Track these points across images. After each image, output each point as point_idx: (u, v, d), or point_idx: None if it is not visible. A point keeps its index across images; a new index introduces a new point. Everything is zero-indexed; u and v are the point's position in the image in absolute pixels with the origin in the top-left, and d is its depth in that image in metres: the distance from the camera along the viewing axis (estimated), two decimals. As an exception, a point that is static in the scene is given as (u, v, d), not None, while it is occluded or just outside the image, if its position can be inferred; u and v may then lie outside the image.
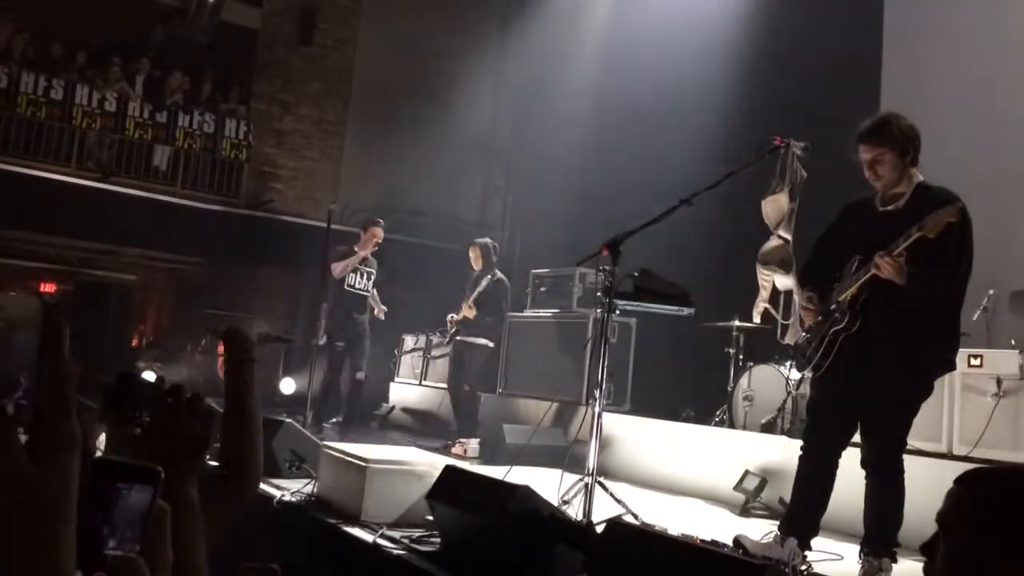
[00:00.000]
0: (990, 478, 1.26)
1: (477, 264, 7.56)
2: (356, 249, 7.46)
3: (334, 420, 7.58)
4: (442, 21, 11.27)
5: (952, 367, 3.60)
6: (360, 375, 7.51)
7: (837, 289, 3.58)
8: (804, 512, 3.64)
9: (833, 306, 3.57)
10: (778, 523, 3.77)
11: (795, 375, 5.58)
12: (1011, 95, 5.99)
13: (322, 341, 7.41)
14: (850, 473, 3.71)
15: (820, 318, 3.65)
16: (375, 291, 7.85)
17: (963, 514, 1.22)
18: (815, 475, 3.64)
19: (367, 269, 7.53)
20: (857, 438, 3.62)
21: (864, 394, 3.50)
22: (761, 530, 4.04)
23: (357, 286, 7.49)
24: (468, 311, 7.42)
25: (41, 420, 0.79)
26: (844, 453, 3.67)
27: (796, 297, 4.04)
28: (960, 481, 1.26)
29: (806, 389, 5.47)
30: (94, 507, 0.83)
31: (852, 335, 3.49)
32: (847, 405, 3.57)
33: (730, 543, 3.60)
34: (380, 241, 7.52)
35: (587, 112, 9.74)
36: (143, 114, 10.45)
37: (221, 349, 2.48)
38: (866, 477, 3.49)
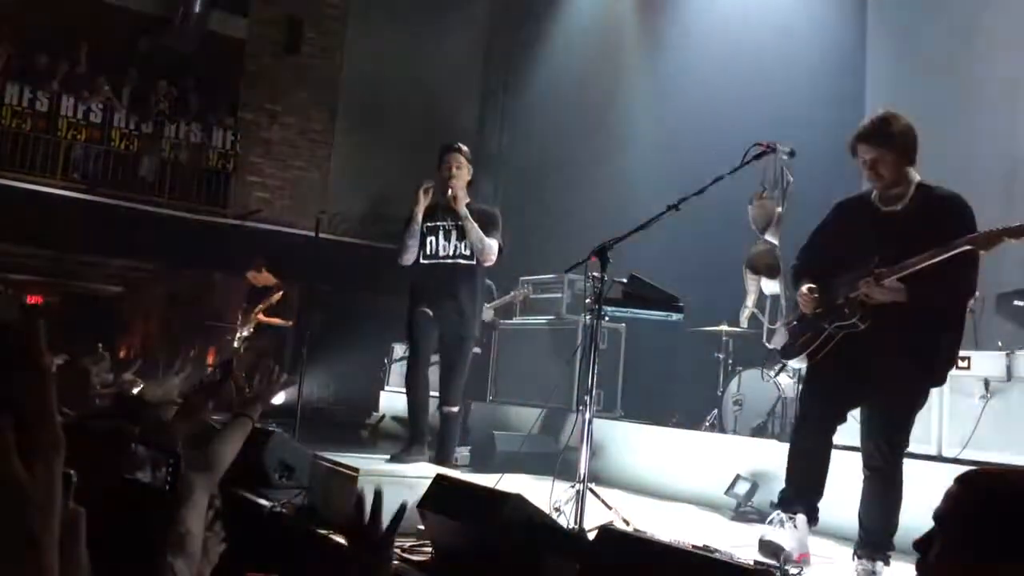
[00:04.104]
0: (990, 480, 1.27)
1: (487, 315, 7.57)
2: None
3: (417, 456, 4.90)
4: (429, 28, 11.28)
5: (953, 365, 3.62)
6: (449, 409, 5.12)
7: (846, 285, 3.56)
8: (806, 484, 3.61)
9: (841, 301, 3.55)
10: (776, 504, 3.70)
11: (792, 366, 5.57)
12: (995, 97, 6.03)
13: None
14: (843, 476, 3.72)
15: (820, 309, 3.64)
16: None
17: (962, 514, 1.23)
18: (814, 446, 3.61)
19: (450, 223, 5.03)
20: (856, 441, 3.63)
21: (866, 393, 3.51)
22: (753, 534, 4.04)
23: (440, 254, 5.03)
24: (487, 314, 7.43)
25: (24, 423, 0.79)
26: (836, 455, 3.68)
27: (783, 300, 4.05)
28: (960, 481, 1.27)
29: (786, 387, 5.49)
30: None
31: (858, 333, 3.49)
32: (842, 392, 3.58)
33: (723, 548, 3.59)
34: (456, 173, 5.01)
35: (575, 117, 9.75)
36: (129, 125, 10.42)
37: (210, 360, 2.55)
38: (865, 479, 3.50)
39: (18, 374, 0.79)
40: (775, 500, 4.25)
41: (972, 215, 3.39)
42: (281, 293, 7.98)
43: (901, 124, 3.51)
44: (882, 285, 3.34)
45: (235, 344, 8.06)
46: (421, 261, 5.05)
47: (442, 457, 5.10)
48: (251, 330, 8.02)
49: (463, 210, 4.86)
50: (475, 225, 4.88)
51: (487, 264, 5.01)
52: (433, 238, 5.03)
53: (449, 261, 5.00)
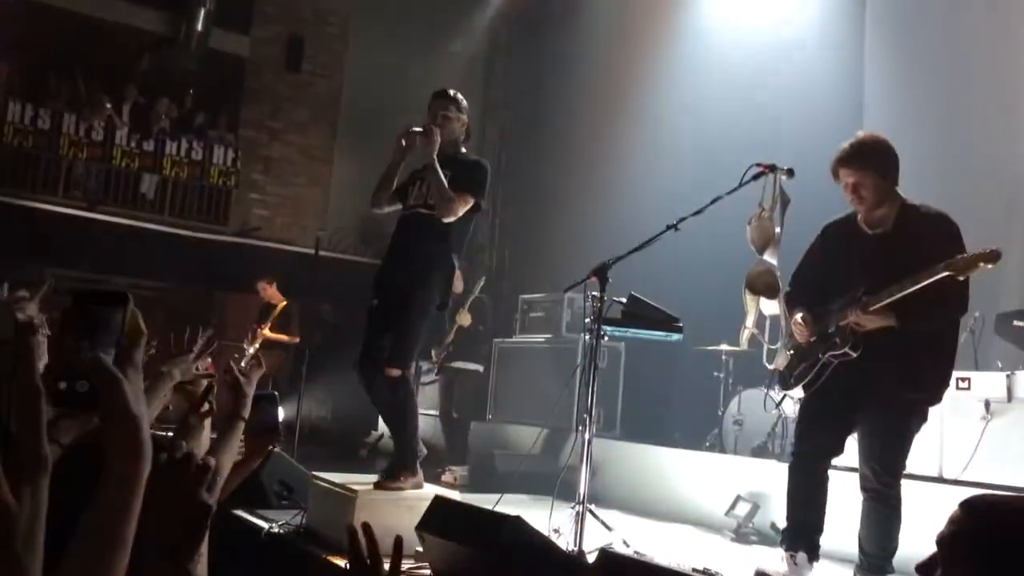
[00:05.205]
0: (993, 505, 1.27)
1: (458, 287, 7.62)
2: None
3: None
4: (429, 46, 11.33)
5: (947, 386, 3.61)
6: (389, 370, 4.17)
7: (837, 313, 3.55)
8: (806, 521, 3.61)
9: (832, 329, 3.55)
10: (781, 542, 3.71)
11: (779, 394, 5.57)
12: (992, 117, 6.05)
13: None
14: (842, 497, 3.71)
15: (814, 339, 3.64)
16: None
17: (964, 539, 1.23)
18: (810, 481, 3.62)
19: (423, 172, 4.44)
20: (850, 462, 3.62)
21: (860, 416, 3.50)
22: (755, 556, 4.03)
23: (409, 202, 4.47)
24: (464, 318, 7.45)
25: (11, 442, 0.78)
26: (834, 476, 3.67)
27: (782, 320, 4.05)
28: (963, 506, 1.27)
29: (787, 408, 5.48)
30: (79, 331, 0.96)
31: (851, 360, 3.48)
32: (837, 420, 3.58)
33: (722, 571, 3.58)
34: (441, 122, 4.48)
35: (575, 135, 9.79)
36: (130, 142, 10.45)
37: (210, 367, 2.54)
38: (863, 502, 3.48)
39: (8, 392, 0.79)
40: (775, 521, 4.25)
41: (958, 232, 3.38)
42: (284, 304, 8.04)
43: (880, 145, 3.52)
44: (869, 313, 3.35)
45: (242, 363, 8.07)
46: (403, 212, 4.53)
47: (396, 434, 4.35)
48: (257, 347, 8.04)
49: (431, 156, 4.32)
50: (439, 174, 4.28)
51: (446, 219, 4.29)
52: (412, 187, 4.51)
53: (411, 210, 4.43)
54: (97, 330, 0.97)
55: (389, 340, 4.22)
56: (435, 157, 4.30)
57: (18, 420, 0.79)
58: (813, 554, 3.58)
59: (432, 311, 4.31)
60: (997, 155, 5.99)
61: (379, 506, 3.82)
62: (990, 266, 3.14)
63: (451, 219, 4.30)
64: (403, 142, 4.42)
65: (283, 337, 8.01)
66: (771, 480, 4.95)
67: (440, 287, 4.32)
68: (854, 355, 3.45)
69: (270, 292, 8.33)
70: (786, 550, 3.60)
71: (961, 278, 3.17)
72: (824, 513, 3.61)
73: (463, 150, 4.58)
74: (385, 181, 4.53)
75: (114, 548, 0.86)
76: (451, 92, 4.59)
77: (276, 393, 2.40)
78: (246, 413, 2.30)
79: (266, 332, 8.01)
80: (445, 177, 4.28)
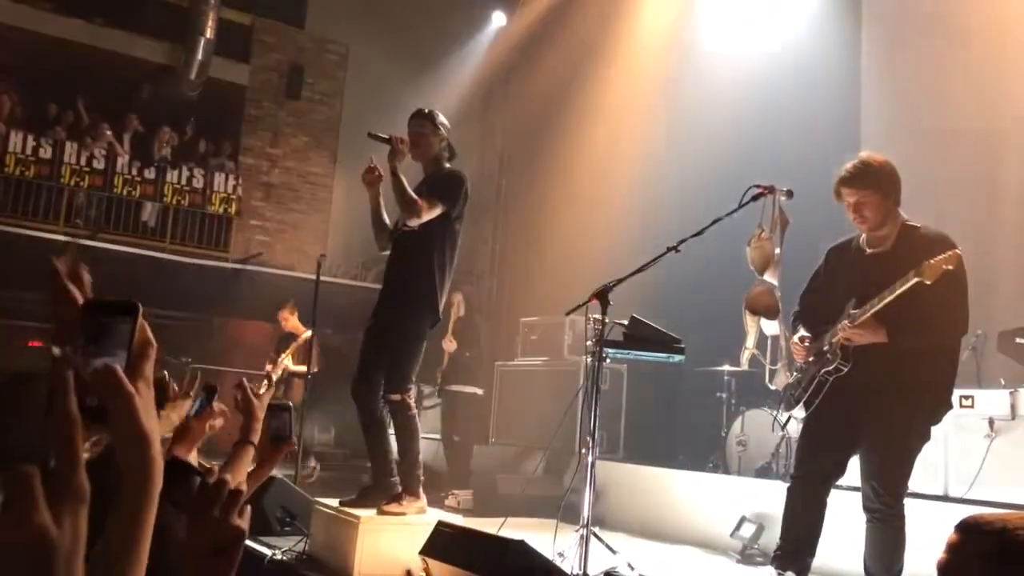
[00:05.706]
0: (989, 528, 1.26)
1: (459, 310, 7.64)
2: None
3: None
4: (428, 73, 11.43)
5: (950, 407, 3.59)
6: (390, 396, 4.20)
7: (831, 331, 3.57)
8: (798, 542, 3.59)
9: (826, 347, 3.57)
10: (772, 560, 3.70)
11: (784, 415, 5.56)
12: (992, 135, 6.08)
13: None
14: (844, 517, 3.69)
15: (812, 358, 3.65)
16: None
17: (963, 564, 1.22)
18: (807, 504, 3.60)
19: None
20: (856, 482, 3.60)
21: (861, 437, 3.49)
22: (760, 578, 4.01)
23: (398, 224, 4.43)
24: (449, 344, 7.46)
25: (50, 474, 0.79)
26: (839, 496, 3.65)
27: (783, 340, 4.05)
28: (960, 529, 1.27)
29: (791, 428, 5.47)
30: (87, 341, 0.94)
31: (844, 377, 3.49)
32: (838, 442, 3.56)
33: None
34: (418, 140, 4.44)
35: (574, 159, 9.84)
36: (131, 171, 10.51)
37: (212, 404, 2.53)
38: (867, 522, 3.47)
39: (46, 423, 0.80)
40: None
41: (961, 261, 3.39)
42: (310, 334, 8.05)
43: (882, 166, 3.54)
44: (855, 327, 3.35)
45: (261, 391, 8.06)
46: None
47: (402, 462, 4.19)
48: (277, 376, 8.02)
49: (394, 164, 4.25)
50: (400, 179, 4.22)
51: (411, 223, 4.24)
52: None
53: (397, 232, 4.41)
54: (105, 341, 0.95)
55: (383, 359, 4.23)
56: (397, 165, 4.26)
57: (56, 451, 0.80)
58: (802, 575, 3.56)
59: (421, 329, 4.29)
60: (990, 174, 6.02)
61: (383, 531, 3.81)
62: (951, 267, 3.14)
63: (415, 222, 4.25)
64: (365, 178, 4.38)
65: (303, 368, 8.00)
66: (776, 500, 4.90)
67: (427, 301, 4.27)
68: (844, 370, 3.46)
69: (292, 322, 8.29)
70: (776, 569, 3.58)
71: (929, 282, 3.17)
72: (819, 537, 3.58)
73: (447, 166, 4.53)
74: (374, 221, 4.50)
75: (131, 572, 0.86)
76: (426, 110, 4.54)
77: (290, 403, 2.40)
78: (256, 438, 2.29)
79: (286, 363, 7.99)
80: (422, 191, 4.27)
